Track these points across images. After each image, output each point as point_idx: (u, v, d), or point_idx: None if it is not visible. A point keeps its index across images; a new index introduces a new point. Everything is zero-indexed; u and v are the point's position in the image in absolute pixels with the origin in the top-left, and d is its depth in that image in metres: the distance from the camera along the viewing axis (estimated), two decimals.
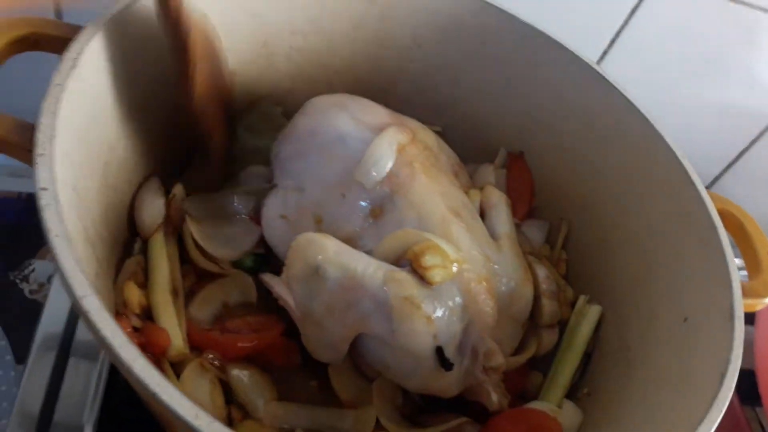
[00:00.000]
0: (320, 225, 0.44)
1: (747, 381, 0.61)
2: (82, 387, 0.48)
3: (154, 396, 0.26)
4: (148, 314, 0.42)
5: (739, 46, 0.71)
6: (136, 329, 0.40)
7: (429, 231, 0.41)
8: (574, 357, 0.47)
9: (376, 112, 0.49)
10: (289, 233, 0.44)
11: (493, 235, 0.47)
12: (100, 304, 0.28)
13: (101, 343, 0.27)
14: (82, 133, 0.37)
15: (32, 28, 0.38)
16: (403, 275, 0.40)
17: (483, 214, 0.50)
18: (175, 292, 0.43)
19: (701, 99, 0.77)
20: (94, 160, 0.39)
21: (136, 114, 0.44)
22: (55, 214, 0.30)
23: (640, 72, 0.72)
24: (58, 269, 0.29)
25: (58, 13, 0.56)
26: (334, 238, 0.41)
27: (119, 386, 0.48)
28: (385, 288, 0.39)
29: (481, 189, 0.51)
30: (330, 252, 0.40)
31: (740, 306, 0.39)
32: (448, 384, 0.41)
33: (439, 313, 0.39)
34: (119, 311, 0.41)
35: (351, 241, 0.42)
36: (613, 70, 0.70)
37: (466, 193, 0.50)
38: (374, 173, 0.43)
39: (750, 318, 0.61)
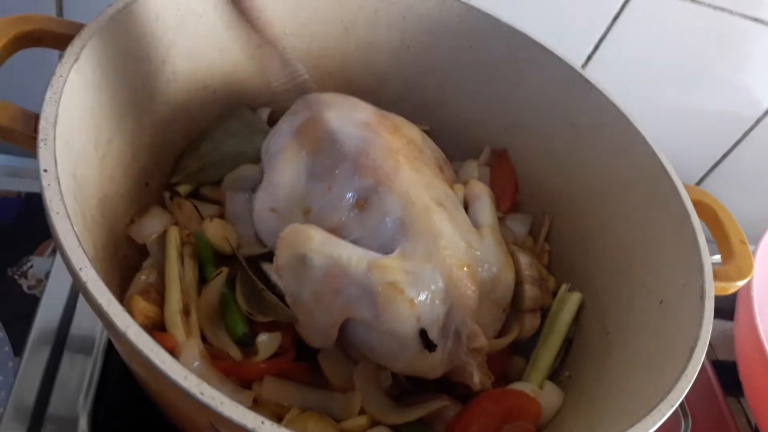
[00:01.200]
0: (308, 216, 0.45)
1: (730, 373, 0.62)
2: (77, 379, 0.49)
3: (146, 361, 0.28)
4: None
5: (721, 52, 0.74)
6: None
7: (411, 220, 0.43)
8: (556, 341, 0.48)
9: (362, 109, 0.51)
10: (279, 225, 0.45)
11: (476, 225, 0.49)
12: (97, 276, 0.29)
13: (97, 313, 0.29)
14: (81, 124, 0.39)
15: (36, 25, 0.40)
16: (386, 261, 0.41)
17: (467, 206, 0.52)
18: (186, 311, 0.44)
19: (684, 103, 0.79)
20: (92, 151, 0.41)
21: (132, 110, 0.46)
22: (56, 193, 0.32)
23: (624, 77, 0.75)
24: (58, 245, 0.30)
25: (60, 11, 0.58)
26: (320, 228, 0.43)
27: (113, 378, 0.50)
28: (369, 274, 0.40)
29: (465, 183, 0.53)
30: (316, 241, 0.41)
31: (711, 287, 0.40)
32: (432, 365, 0.42)
33: (422, 297, 0.41)
34: None
35: (337, 231, 0.44)
36: (597, 75, 0.73)
37: (451, 186, 0.51)
38: None
39: (731, 314, 0.63)
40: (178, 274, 0.45)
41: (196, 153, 0.53)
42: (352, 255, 0.41)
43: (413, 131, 0.53)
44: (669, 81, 0.76)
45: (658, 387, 0.36)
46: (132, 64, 0.45)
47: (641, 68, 0.75)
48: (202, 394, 0.27)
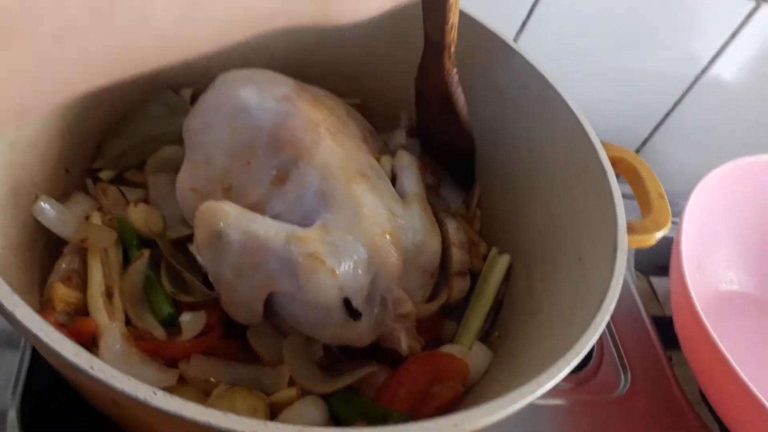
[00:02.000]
0: (229, 194, 0.45)
1: (668, 327, 0.64)
2: (4, 373, 0.48)
3: (37, 341, 0.27)
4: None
5: (658, 15, 0.74)
6: (63, 325, 0.41)
7: (332, 191, 0.43)
8: (485, 303, 0.49)
9: (281, 83, 0.50)
10: (200, 204, 0.45)
11: (402, 195, 0.49)
12: None
13: None
14: None
15: None
16: (306, 233, 0.41)
17: (394, 177, 0.51)
18: (109, 294, 0.44)
19: (624, 66, 0.80)
20: None
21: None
22: None
23: (561, 44, 0.75)
24: None
25: None
26: (236, 204, 0.42)
27: (41, 370, 0.49)
28: (288, 247, 0.40)
29: (393, 154, 0.53)
30: (231, 217, 0.41)
31: (624, 240, 0.41)
32: (359, 334, 0.43)
33: (343, 266, 0.41)
34: (44, 308, 0.42)
35: (259, 206, 0.44)
36: (533, 42, 0.74)
37: (378, 158, 0.51)
38: None
39: (666, 270, 0.64)
40: (99, 260, 0.45)
41: (117, 137, 0.52)
42: (270, 228, 0.41)
43: (336, 103, 0.53)
44: (608, 45, 0.77)
45: (572, 338, 0.37)
46: None
47: (578, 33, 0.75)
48: (92, 368, 0.27)
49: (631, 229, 0.44)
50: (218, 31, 0.24)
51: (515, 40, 0.74)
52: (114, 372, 0.26)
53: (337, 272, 0.41)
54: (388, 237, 0.43)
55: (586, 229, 0.46)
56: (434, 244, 0.47)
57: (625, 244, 0.41)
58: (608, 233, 0.42)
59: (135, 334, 0.42)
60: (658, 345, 0.65)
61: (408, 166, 0.52)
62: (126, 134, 0.52)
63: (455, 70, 0.52)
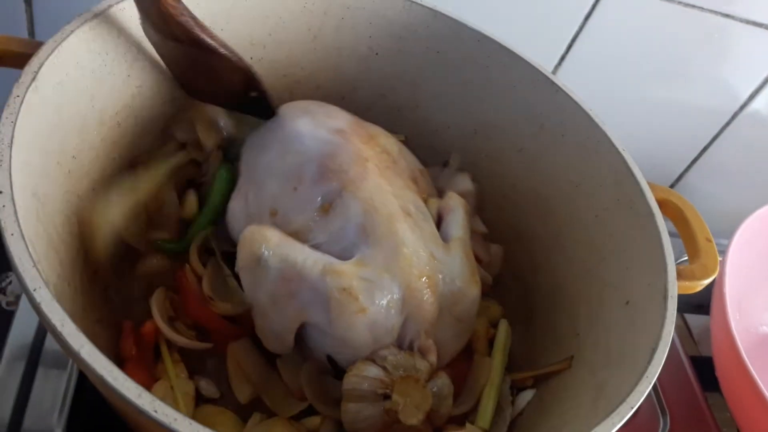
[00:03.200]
0: (275, 218, 0.46)
1: (708, 368, 0.63)
2: (51, 394, 0.49)
3: (101, 380, 0.28)
4: None
5: (696, 49, 0.74)
6: None
7: (373, 227, 0.43)
8: (495, 383, 0.47)
9: (337, 116, 0.51)
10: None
11: (446, 239, 0.48)
12: (51, 296, 0.29)
13: (52, 333, 0.29)
14: (42, 142, 0.39)
15: None
16: (342, 267, 0.41)
17: (440, 219, 0.50)
18: None
19: (662, 100, 0.79)
20: (55, 168, 0.41)
21: (97, 125, 0.46)
22: (10, 215, 0.32)
23: (599, 75, 0.75)
24: (12, 266, 0.30)
25: (32, 30, 0.58)
26: (279, 230, 0.43)
27: (87, 393, 0.50)
28: (323, 278, 0.40)
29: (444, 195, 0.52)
30: (272, 243, 0.42)
31: (674, 287, 0.41)
32: None
33: (376, 305, 0.41)
34: None
35: (301, 234, 0.44)
36: (571, 75, 0.74)
37: (425, 199, 0.51)
38: None
39: (701, 308, 0.63)
40: None
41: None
42: (308, 258, 0.42)
43: (389, 141, 0.53)
44: (645, 78, 0.77)
45: (622, 387, 0.36)
46: (94, 79, 0.45)
47: (616, 66, 0.75)
48: (155, 411, 0.27)
49: (679, 275, 0.43)
50: None
51: (554, 72, 0.74)
52: (177, 415, 0.27)
53: (369, 310, 0.40)
54: (425, 279, 0.43)
55: (632, 271, 0.45)
56: (473, 293, 0.46)
57: (675, 292, 0.41)
58: (657, 279, 0.42)
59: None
60: (697, 386, 0.64)
61: (455, 209, 0.50)
62: None
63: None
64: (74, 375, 0.50)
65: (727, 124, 0.82)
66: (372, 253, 0.42)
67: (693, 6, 0.70)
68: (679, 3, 0.69)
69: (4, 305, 0.57)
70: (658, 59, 0.75)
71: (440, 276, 0.44)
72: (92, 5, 0.44)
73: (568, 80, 0.72)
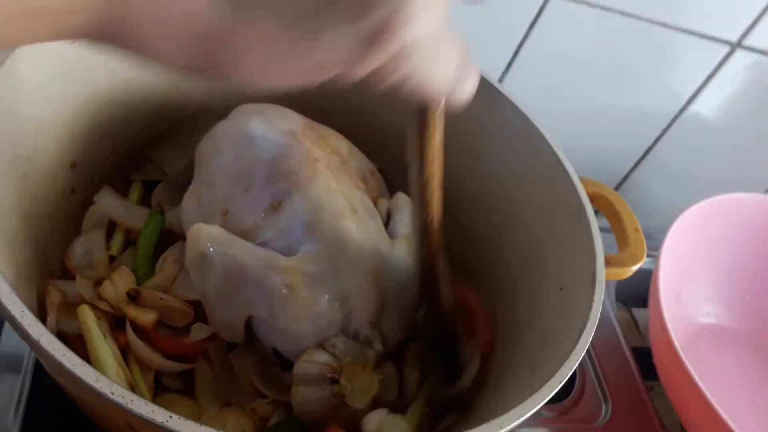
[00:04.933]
0: (226, 218, 0.47)
1: (649, 359, 0.66)
2: (6, 396, 0.50)
3: (58, 366, 0.29)
4: None
5: (637, 55, 0.78)
6: None
7: (319, 224, 0.45)
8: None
9: (290, 119, 0.53)
10: None
11: (393, 236, 0.50)
12: (10, 289, 0.31)
13: (11, 323, 0.31)
14: None
15: None
16: (286, 263, 0.43)
17: (389, 218, 0.53)
18: None
19: (606, 103, 0.83)
20: (9, 172, 0.42)
21: (50, 130, 0.47)
22: None
23: (546, 80, 0.78)
24: None
25: None
26: (229, 229, 0.45)
27: (42, 393, 0.51)
28: (267, 274, 0.42)
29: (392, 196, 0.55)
30: (216, 241, 0.44)
31: (602, 272, 0.44)
32: None
33: (318, 299, 0.42)
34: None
35: (251, 232, 0.46)
36: (519, 80, 0.77)
37: (375, 198, 0.53)
38: None
39: (647, 302, 0.67)
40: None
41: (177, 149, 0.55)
42: (252, 254, 0.43)
43: (340, 142, 0.55)
44: (590, 82, 0.80)
45: (553, 365, 0.39)
46: (48, 84, 0.46)
47: (561, 71, 0.78)
48: (112, 393, 0.28)
49: (608, 262, 0.46)
50: None
51: (501, 79, 0.77)
52: (133, 396, 0.28)
53: (312, 303, 0.42)
54: (368, 274, 0.45)
55: (566, 262, 0.48)
56: (416, 285, 0.47)
57: (603, 277, 0.44)
58: (587, 266, 0.45)
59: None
60: (638, 376, 0.67)
61: (403, 207, 0.53)
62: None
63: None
64: (29, 376, 0.51)
65: (669, 126, 0.86)
66: (317, 249, 0.44)
67: (631, 15, 0.74)
68: (619, 12, 0.73)
69: None
70: (601, 65, 0.78)
71: (384, 269, 0.46)
72: None
73: (515, 85, 0.75)
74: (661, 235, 0.67)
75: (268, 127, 0.50)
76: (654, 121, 0.86)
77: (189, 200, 0.50)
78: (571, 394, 0.64)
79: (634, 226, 0.51)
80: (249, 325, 0.44)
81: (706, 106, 0.84)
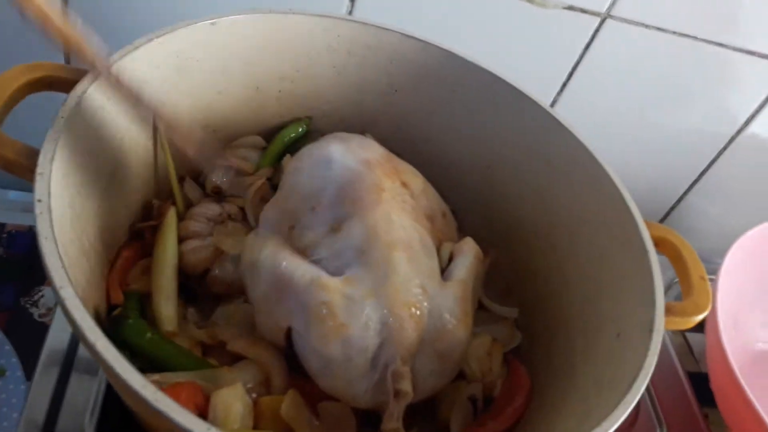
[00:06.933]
0: (292, 231, 0.49)
1: (704, 384, 0.64)
2: (83, 399, 0.53)
3: (117, 377, 0.31)
4: None
5: (692, 76, 0.76)
6: None
7: (371, 250, 0.45)
8: None
9: (370, 149, 0.54)
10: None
11: (448, 278, 0.49)
12: (75, 294, 0.33)
13: (72, 327, 0.33)
14: (81, 159, 0.44)
15: (45, 71, 0.44)
16: (329, 281, 0.44)
17: (450, 260, 0.52)
18: None
19: (661, 125, 0.81)
20: (92, 184, 0.46)
21: (132, 147, 0.50)
22: (46, 220, 0.36)
23: (600, 103, 0.77)
24: (44, 266, 0.34)
25: (68, 59, 0.63)
26: (293, 243, 0.47)
27: (117, 397, 0.53)
28: (308, 289, 0.43)
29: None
30: (267, 251, 0.46)
31: (661, 322, 0.42)
32: (354, 395, 0.44)
33: (353, 323, 0.42)
34: None
35: (308, 249, 0.48)
36: (573, 102, 0.76)
37: (440, 239, 0.52)
38: None
39: (702, 327, 0.64)
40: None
41: None
42: (299, 268, 0.45)
43: (415, 178, 0.55)
44: (645, 104, 0.79)
45: (603, 413, 0.38)
46: (134, 105, 0.49)
47: (616, 93, 0.77)
48: (156, 401, 0.30)
49: (669, 311, 0.44)
50: None
51: (555, 99, 0.77)
52: (175, 405, 0.30)
53: (345, 326, 0.42)
54: (412, 309, 0.44)
55: (625, 306, 0.47)
56: (460, 333, 0.45)
57: (661, 326, 0.42)
58: (646, 313, 0.43)
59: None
60: (694, 401, 0.65)
61: (466, 252, 0.51)
62: None
63: None
64: (104, 380, 0.54)
65: (725, 147, 0.84)
66: (362, 274, 0.44)
67: (687, 35, 0.71)
68: (674, 33, 0.71)
69: (36, 317, 0.60)
70: (656, 86, 0.77)
71: (427, 308, 0.44)
72: (132, 39, 0.48)
73: (568, 108, 0.74)
74: (716, 258, 0.65)
75: (346, 153, 0.53)
76: (710, 141, 0.84)
77: (269, 208, 0.53)
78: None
79: (699, 274, 0.48)
80: (289, 335, 0.46)
81: (764, 126, 0.81)
